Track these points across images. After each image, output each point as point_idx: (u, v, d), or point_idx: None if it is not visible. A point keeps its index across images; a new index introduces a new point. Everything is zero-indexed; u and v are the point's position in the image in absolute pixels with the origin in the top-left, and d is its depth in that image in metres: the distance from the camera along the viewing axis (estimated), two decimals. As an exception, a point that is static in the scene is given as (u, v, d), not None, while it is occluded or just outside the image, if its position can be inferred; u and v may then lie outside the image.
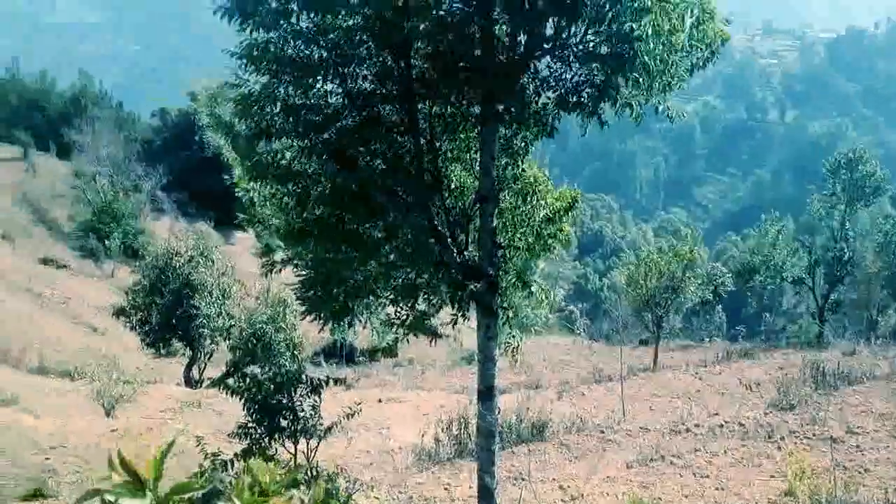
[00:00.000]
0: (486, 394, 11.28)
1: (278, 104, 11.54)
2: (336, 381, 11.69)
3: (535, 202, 12.23)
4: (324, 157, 11.80)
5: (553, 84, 10.66)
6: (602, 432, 16.16)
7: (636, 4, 8.85)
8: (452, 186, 12.22)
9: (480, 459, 11.46)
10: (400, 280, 12.42)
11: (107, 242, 47.16)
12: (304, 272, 13.11)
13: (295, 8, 11.14)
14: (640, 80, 9.46)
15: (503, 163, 12.10)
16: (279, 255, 14.00)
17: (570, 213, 12.55)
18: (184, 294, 27.83)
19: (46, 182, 57.62)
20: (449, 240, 11.49)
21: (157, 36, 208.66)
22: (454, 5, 11.06)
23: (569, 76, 10.52)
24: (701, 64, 10.49)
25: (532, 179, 12.39)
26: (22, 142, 61.52)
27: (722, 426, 15.56)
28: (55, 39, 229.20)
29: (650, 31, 8.84)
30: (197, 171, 60.66)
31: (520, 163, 11.97)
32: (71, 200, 54.21)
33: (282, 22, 11.14)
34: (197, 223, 54.77)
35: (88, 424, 20.97)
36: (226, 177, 17.23)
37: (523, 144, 12.01)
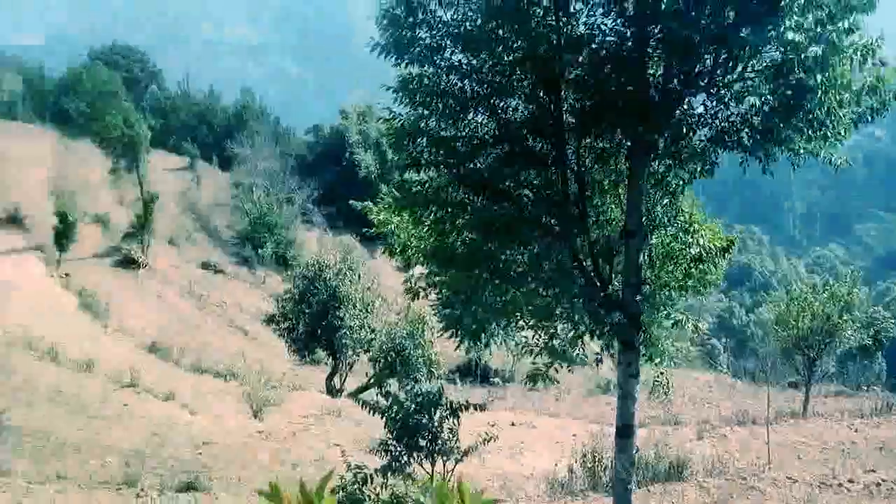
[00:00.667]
0: (624, 431, 11.14)
1: (429, 136, 11.98)
2: (475, 406, 11.91)
3: (686, 241, 11.95)
4: (472, 187, 12.11)
5: (709, 121, 10.47)
6: (744, 479, 15.47)
7: (809, 54, 8.57)
8: (599, 219, 12.17)
9: (616, 497, 11.33)
10: (540, 306, 12.49)
11: (260, 251, 50.03)
12: (444, 292, 13.43)
13: (449, 44, 11.55)
14: (804, 129, 9.15)
15: (654, 199, 11.95)
16: (418, 272, 14.35)
17: (724, 256, 12.12)
18: (330, 305, 29.03)
19: (209, 191, 61.88)
20: (592, 272, 11.47)
21: (317, 57, 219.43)
22: (608, 39, 11.12)
23: (725, 115, 10.31)
24: (869, 116, 9.96)
25: (684, 217, 12.13)
26: (189, 153, 66.43)
27: (879, 485, 14.53)
28: (223, 58, 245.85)
29: (821, 81, 8.53)
30: (345, 185, 63.27)
31: (672, 200, 11.76)
32: (230, 210, 57.94)
33: (435, 58, 11.57)
34: (344, 236, 56.98)
35: (238, 424, 22.32)
36: (359, 205, 18.12)
37: (678, 182, 11.78)
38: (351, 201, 19.12)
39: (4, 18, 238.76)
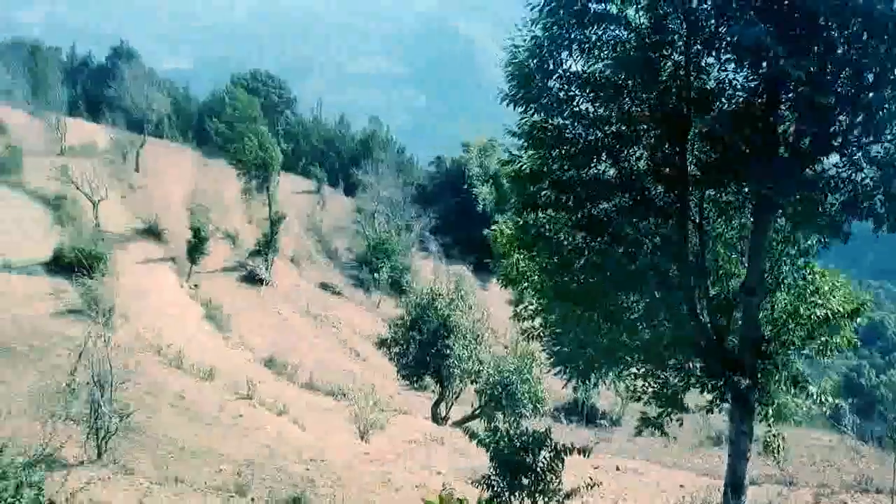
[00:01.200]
0: (735, 489, 10.91)
1: (551, 180, 12.22)
2: (581, 450, 11.89)
3: (811, 302, 11.58)
4: (591, 231, 12.24)
5: (840, 185, 10.19)
6: (861, 553, 14.67)
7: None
8: (719, 272, 12.03)
9: (720, 556, 11.06)
10: (652, 354, 12.41)
11: (376, 275, 51.36)
12: (555, 328, 13.52)
13: (577, 94, 11.80)
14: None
15: (778, 256, 11.70)
16: (531, 307, 14.51)
17: (853, 320, 11.63)
18: (440, 334, 29.44)
19: (332, 215, 64.21)
20: (709, 325, 11.33)
21: (445, 89, 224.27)
22: (738, 95, 11.07)
23: (858, 178, 10.03)
24: None
25: (811, 277, 11.77)
26: (317, 177, 69.23)
27: None
28: (356, 87, 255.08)
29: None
30: (462, 216, 64.14)
31: (798, 259, 11.47)
32: (351, 233, 59.87)
33: (563, 107, 11.84)
34: (457, 266, 57.73)
35: (345, 443, 22.97)
36: (486, 231, 18.43)
37: (806, 242, 11.48)
38: (486, 232, 19.55)
39: (160, 45, 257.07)
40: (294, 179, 68.07)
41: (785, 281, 11.61)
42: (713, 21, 11.41)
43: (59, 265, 35.57)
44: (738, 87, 11.31)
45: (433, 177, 75.89)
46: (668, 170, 11.77)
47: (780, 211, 11.14)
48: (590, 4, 11.67)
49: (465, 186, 66.11)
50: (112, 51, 77.40)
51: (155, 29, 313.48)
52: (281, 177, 60.26)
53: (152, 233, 45.19)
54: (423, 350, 29.82)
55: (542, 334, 13.90)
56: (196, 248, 41.65)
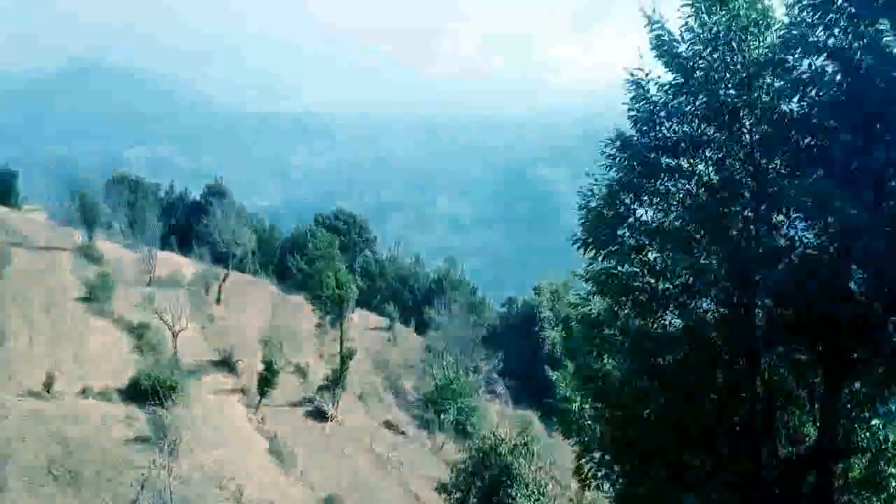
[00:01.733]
0: None
1: (618, 327, 12.18)
2: None
3: (889, 469, 10.89)
4: (657, 382, 12.01)
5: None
6: None
7: None
8: (789, 433, 11.52)
9: None
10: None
11: (442, 416, 50.63)
12: (619, 486, 13.00)
13: (646, 242, 11.96)
14: None
15: (853, 419, 11.13)
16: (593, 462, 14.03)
17: None
18: (502, 482, 28.47)
19: (402, 353, 64.35)
20: (778, 489, 10.75)
21: (521, 232, 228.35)
22: (808, 252, 11.00)
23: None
24: None
25: (887, 442, 11.10)
26: (390, 315, 70.04)
27: None
28: (434, 228, 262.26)
29: None
30: (531, 360, 63.28)
31: (874, 424, 10.89)
32: (419, 372, 59.69)
33: (632, 255, 11.99)
34: (524, 411, 56.47)
35: None
36: (553, 374, 17.95)
37: (885, 405, 10.96)
38: (551, 374, 19.35)
39: (252, 184, 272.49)
40: (367, 316, 69.09)
41: (860, 445, 10.98)
42: (780, 177, 11.58)
43: (135, 392, 36.58)
44: (807, 243, 11.28)
45: (504, 318, 75.81)
46: (734, 324, 11.62)
47: (854, 372, 10.75)
48: (661, 158, 12.04)
49: (536, 330, 65.64)
50: (206, 188, 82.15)
51: (248, 169, 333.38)
52: (355, 313, 61.39)
53: (226, 364, 46.16)
54: (484, 499, 28.81)
55: (601, 485, 13.39)
56: (266, 381, 42.21)
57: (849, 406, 11.15)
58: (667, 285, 11.76)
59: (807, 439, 11.49)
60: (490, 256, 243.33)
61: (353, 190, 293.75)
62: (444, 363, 56.02)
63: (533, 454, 30.15)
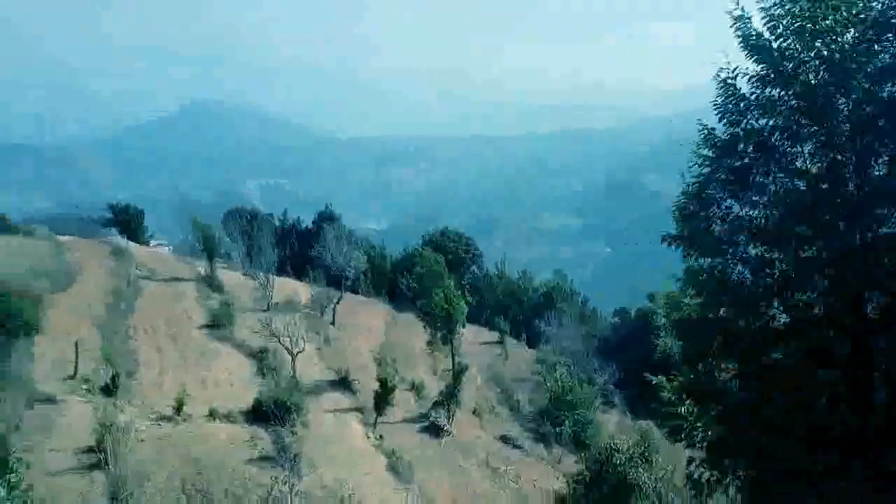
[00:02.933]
0: None
1: (717, 327, 11.90)
2: None
3: None
4: (763, 383, 11.68)
5: None
6: None
7: None
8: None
9: None
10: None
11: (558, 429, 50.11)
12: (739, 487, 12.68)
13: (741, 238, 11.67)
14: None
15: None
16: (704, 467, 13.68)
17: None
18: (620, 493, 27.99)
19: (514, 366, 64.17)
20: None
21: (630, 241, 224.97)
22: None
23: None
24: None
25: None
26: (500, 329, 70.12)
27: None
28: (540, 242, 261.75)
29: None
30: (648, 369, 61.64)
31: None
32: (532, 386, 59.34)
33: (727, 250, 11.71)
34: (643, 421, 55.17)
35: None
36: (654, 379, 17.33)
37: None
38: (654, 380, 18.97)
39: (355, 208, 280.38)
40: (478, 331, 69.44)
41: None
42: (883, 165, 11.10)
43: (258, 413, 38.09)
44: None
45: (617, 328, 74.50)
46: (844, 316, 11.17)
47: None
48: (750, 151, 11.75)
49: (651, 338, 64.13)
50: (317, 215, 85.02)
51: (352, 193, 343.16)
52: (465, 329, 61.81)
53: (343, 383, 47.36)
54: (605, 510, 28.37)
55: (713, 490, 13.05)
56: (382, 398, 43.04)
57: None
58: (766, 280, 11.44)
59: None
60: (598, 267, 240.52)
61: (456, 208, 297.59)
62: (558, 375, 55.48)
63: (652, 463, 29.48)
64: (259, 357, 46.36)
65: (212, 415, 36.96)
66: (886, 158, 10.96)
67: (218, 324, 49.96)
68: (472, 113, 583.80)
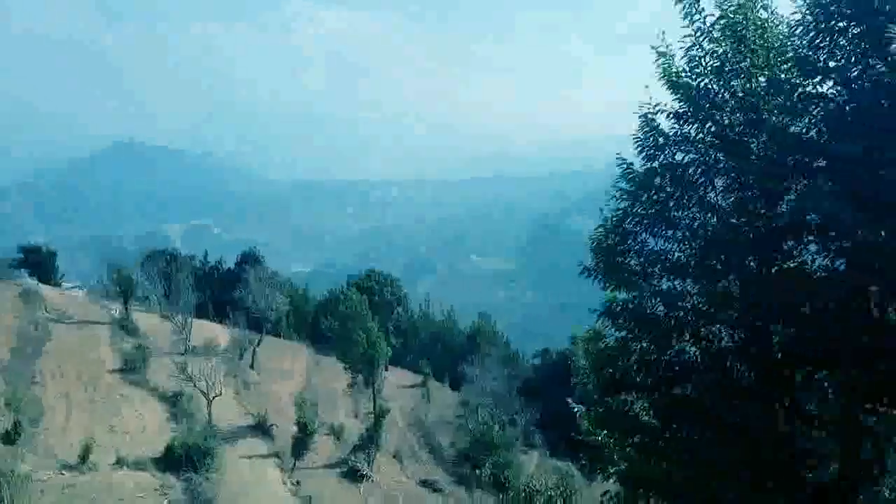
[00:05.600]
0: None
1: (633, 358, 12.00)
2: None
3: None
4: (676, 414, 11.80)
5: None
6: None
7: None
8: (811, 458, 11.14)
9: None
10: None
11: (479, 471, 49.74)
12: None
13: (656, 271, 11.85)
14: None
15: (881, 444, 10.71)
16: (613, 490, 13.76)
17: None
18: (541, 535, 27.79)
19: (437, 409, 63.73)
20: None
21: (555, 285, 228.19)
22: (820, 274, 10.85)
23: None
24: None
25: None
26: (423, 371, 69.66)
27: None
28: (466, 284, 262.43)
29: None
30: (569, 410, 61.94)
31: (890, 447, 10.51)
32: (454, 428, 58.91)
33: (641, 283, 11.88)
34: (563, 462, 55.28)
35: None
36: (576, 408, 17.25)
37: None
38: (568, 399, 18.90)
39: (286, 252, 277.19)
40: (401, 374, 68.84)
41: (889, 471, 10.56)
42: (792, 202, 11.45)
43: (170, 460, 36.59)
44: (821, 267, 11.14)
45: (538, 370, 74.89)
46: (753, 349, 11.41)
47: (878, 395, 10.45)
48: (667, 186, 11.99)
49: (573, 380, 64.61)
50: (240, 257, 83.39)
51: (286, 237, 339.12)
52: (388, 371, 61.18)
53: (261, 428, 46.06)
54: (524, 553, 28.09)
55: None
56: (301, 443, 42.02)
57: (875, 429, 10.75)
58: (679, 313, 11.61)
59: (834, 465, 11.10)
60: (524, 309, 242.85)
61: (386, 252, 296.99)
62: (480, 417, 55.26)
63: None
64: (173, 402, 44.75)
65: (119, 462, 35.33)
66: (793, 195, 11.33)
67: (131, 368, 48.10)
68: (410, 156, 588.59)
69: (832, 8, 10.30)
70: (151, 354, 50.49)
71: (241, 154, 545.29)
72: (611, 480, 13.75)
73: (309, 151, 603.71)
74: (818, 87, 11.26)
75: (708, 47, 11.79)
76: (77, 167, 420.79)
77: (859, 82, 10.67)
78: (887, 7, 10.04)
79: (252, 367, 57.72)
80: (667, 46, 12.10)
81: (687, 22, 11.80)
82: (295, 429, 42.87)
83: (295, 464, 41.68)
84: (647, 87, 12.23)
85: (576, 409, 15.90)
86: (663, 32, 12.16)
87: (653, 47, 12.18)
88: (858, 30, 10.38)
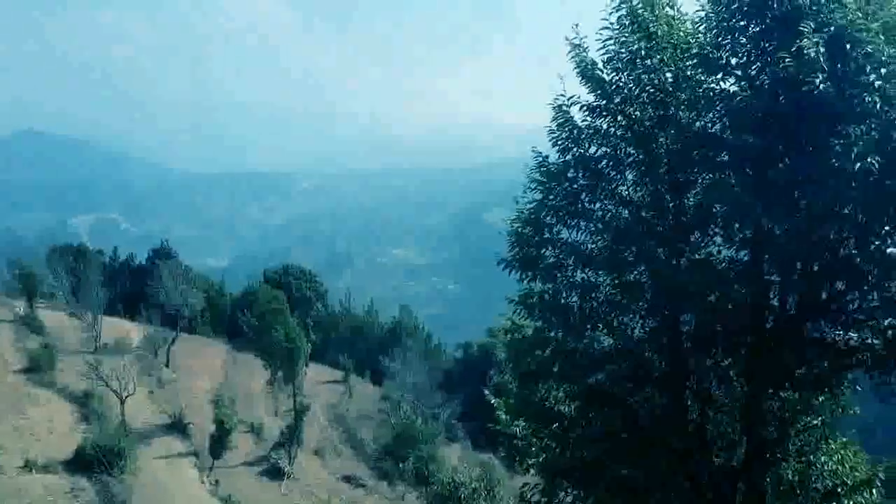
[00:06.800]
0: None
1: (548, 349, 12.22)
2: None
3: (819, 472, 11.04)
4: (590, 401, 12.09)
5: (828, 348, 10.19)
6: None
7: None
8: (721, 442, 11.63)
9: None
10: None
11: (402, 465, 49.82)
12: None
13: (570, 262, 12.10)
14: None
15: (783, 426, 11.26)
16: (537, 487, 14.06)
17: (863, 494, 10.85)
18: (464, 528, 28.04)
19: (358, 404, 63.45)
20: (712, 498, 10.83)
21: (475, 277, 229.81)
22: (725, 264, 11.28)
23: (843, 340, 10.01)
24: None
25: (821, 447, 11.25)
26: (344, 367, 69.20)
27: None
28: (387, 278, 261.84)
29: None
30: (491, 404, 62.73)
31: (805, 431, 11.09)
32: (376, 423, 58.83)
33: (557, 274, 12.10)
34: (485, 455, 55.97)
35: None
36: (494, 400, 17.21)
37: (805, 409, 11.15)
38: (485, 390, 19.05)
39: (200, 246, 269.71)
40: (321, 369, 68.18)
41: (791, 451, 11.13)
42: (698, 194, 11.87)
43: (81, 462, 35.32)
44: (727, 258, 11.54)
45: (460, 363, 75.49)
46: (662, 337, 11.76)
47: (774, 378, 10.95)
48: (581, 179, 12.24)
49: (492, 372, 65.36)
50: (151, 251, 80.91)
51: (199, 230, 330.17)
52: (308, 368, 60.49)
53: (176, 428, 44.94)
54: (446, 544, 28.34)
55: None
56: (219, 441, 41.18)
57: (780, 413, 11.29)
58: (592, 304, 11.86)
59: (740, 447, 11.58)
60: (446, 301, 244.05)
61: (306, 244, 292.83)
62: (402, 411, 55.35)
63: (494, 496, 29.81)
64: (83, 402, 43.16)
65: (27, 466, 33.88)
66: (698, 188, 11.71)
67: (37, 368, 46.10)
68: (327, 149, 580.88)
69: (733, 6, 10.65)
70: (60, 353, 48.56)
71: (147, 146, 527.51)
72: (530, 472, 14.00)
73: (219, 143, 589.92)
74: (721, 83, 11.69)
75: (623, 41, 12.03)
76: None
77: (760, 78, 11.11)
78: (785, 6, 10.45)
79: (167, 364, 56.22)
80: (580, 39, 12.30)
81: (607, 12, 12.02)
82: (213, 427, 42.00)
83: (213, 463, 40.86)
84: (561, 77, 12.42)
85: (493, 401, 16.06)
86: (577, 25, 12.35)
87: (567, 39, 12.39)
88: (758, 28, 10.83)
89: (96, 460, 34.54)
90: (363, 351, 76.19)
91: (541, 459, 13.46)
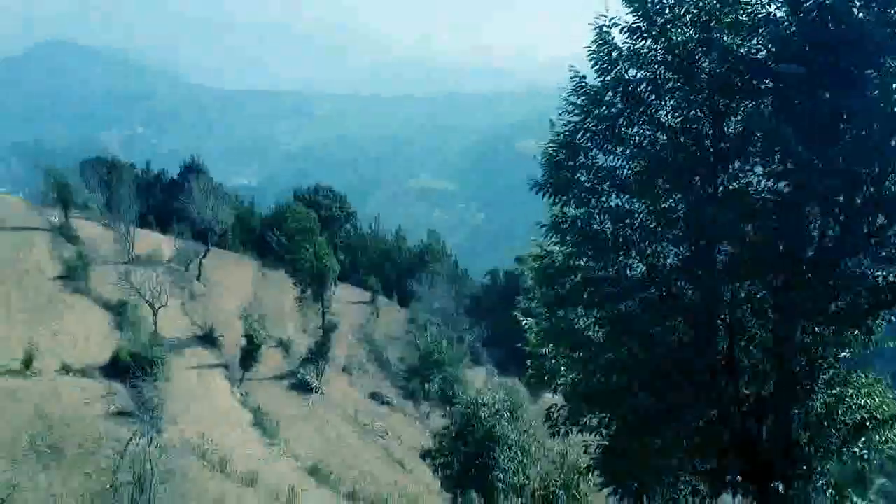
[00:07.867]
0: None
1: (578, 275, 12.22)
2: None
3: (848, 406, 11.08)
4: (618, 328, 12.12)
5: (866, 285, 10.08)
6: None
7: None
8: (749, 373, 11.67)
9: None
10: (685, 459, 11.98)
11: (427, 386, 50.88)
12: (603, 441, 13.13)
13: (605, 188, 11.98)
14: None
15: (814, 359, 11.26)
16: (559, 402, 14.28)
17: (892, 428, 10.86)
18: (486, 445, 28.67)
19: (385, 325, 64.49)
20: (739, 429, 10.93)
21: (502, 205, 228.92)
22: (765, 197, 11.09)
23: (882, 275, 9.88)
24: None
25: (850, 380, 11.28)
26: (372, 288, 70.11)
27: None
28: (414, 204, 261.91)
29: None
30: (516, 329, 63.34)
31: (835, 364, 11.09)
32: (403, 344, 59.88)
33: (591, 199, 12.00)
34: (509, 379, 56.85)
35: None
36: (525, 321, 17.31)
37: (845, 348, 11.12)
38: (515, 313, 19.21)
39: (227, 164, 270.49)
40: (350, 289, 69.10)
41: (820, 384, 11.16)
42: (740, 122, 11.64)
43: (116, 368, 36.37)
44: (765, 188, 11.36)
45: (487, 289, 76.11)
46: (695, 266, 11.70)
47: (809, 311, 10.89)
48: (618, 103, 12.01)
49: (520, 298, 65.83)
50: (183, 167, 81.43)
51: (226, 148, 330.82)
52: (337, 287, 61.30)
53: (208, 339, 45.99)
54: (468, 462, 29.04)
55: (570, 431, 13.51)
56: (249, 354, 42.15)
57: (810, 346, 11.27)
58: (626, 230, 11.79)
59: (769, 379, 11.62)
60: (472, 231, 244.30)
61: (332, 167, 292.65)
62: (428, 334, 56.20)
63: (517, 418, 30.32)
64: (117, 311, 44.17)
65: (65, 369, 35.00)
66: (740, 116, 11.47)
67: (73, 275, 47.11)
68: (355, 71, 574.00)
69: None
70: (94, 263, 49.51)
71: (182, 63, 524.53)
72: (557, 393, 14.14)
73: (245, 60, 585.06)
74: (767, 6, 11.31)
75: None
76: (5, 66, 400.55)
77: (806, 6, 10.74)
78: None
79: (198, 278, 57.19)
80: None
81: None
82: (243, 341, 42.95)
83: (243, 375, 41.95)
84: None
85: (524, 322, 16.15)
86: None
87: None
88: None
89: (131, 366, 35.55)
90: (391, 274, 77.03)
91: (568, 380, 13.62)
